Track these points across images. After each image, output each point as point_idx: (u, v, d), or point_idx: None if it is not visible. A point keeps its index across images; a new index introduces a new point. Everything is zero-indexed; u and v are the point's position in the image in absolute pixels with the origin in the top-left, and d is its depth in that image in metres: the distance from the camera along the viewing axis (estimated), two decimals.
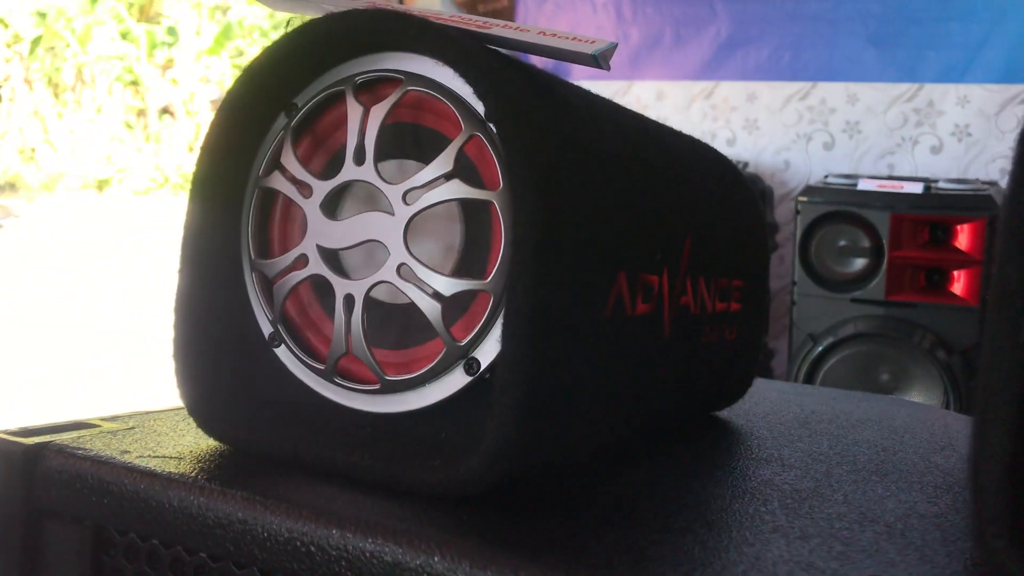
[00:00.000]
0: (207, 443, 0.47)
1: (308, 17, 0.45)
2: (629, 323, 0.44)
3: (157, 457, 0.44)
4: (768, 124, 2.73)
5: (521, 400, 0.37)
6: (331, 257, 0.45)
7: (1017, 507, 0.34)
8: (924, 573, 0.36)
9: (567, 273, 0.39)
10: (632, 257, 0.45)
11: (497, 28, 0.43)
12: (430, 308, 0.42)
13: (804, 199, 2.19)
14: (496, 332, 0.41)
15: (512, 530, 0.37)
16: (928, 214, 2.09)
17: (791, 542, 0.38)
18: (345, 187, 0.45)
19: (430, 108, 0.44)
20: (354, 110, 0.44)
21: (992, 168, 2.47)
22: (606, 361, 0.44)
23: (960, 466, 0.53)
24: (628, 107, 0.54)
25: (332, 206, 0.46)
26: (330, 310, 0.45)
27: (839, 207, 2.14)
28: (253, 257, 0.47)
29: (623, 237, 0.44)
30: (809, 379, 2.16)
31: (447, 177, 0.42)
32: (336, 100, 0.46)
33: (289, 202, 0.47)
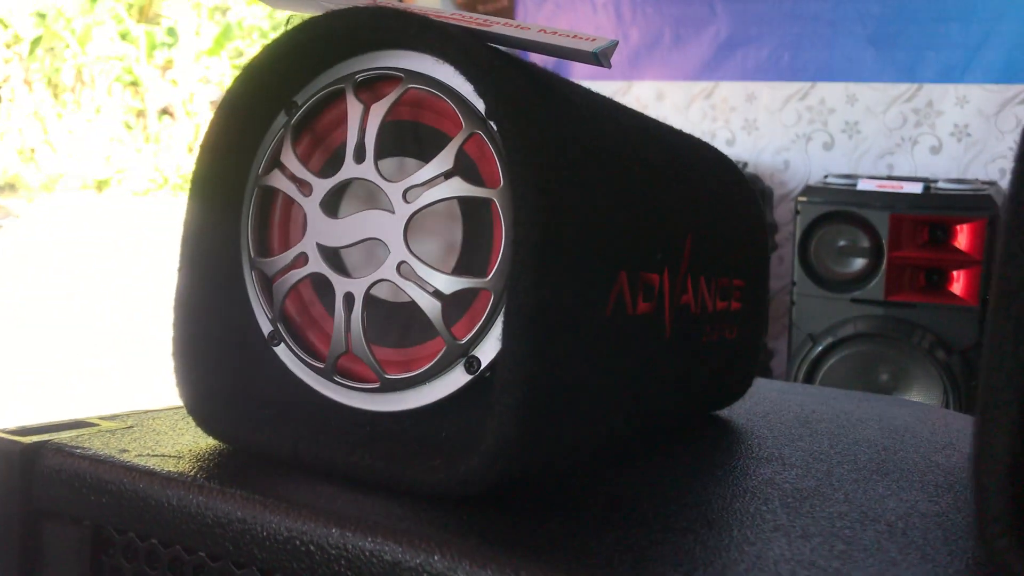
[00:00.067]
0: (206, 442, 0.47)
1: (308, 15, 0.45)
2: (630, 322, 0.44)
3: (156, 456, 0.44)
4: (767, 124, 2.73)
5: (521, 399, 0.37)
6: (331, 255, 0.45)
7: (1019, 506, 0.34)
8: (926, 572, 0.36)
9: (568, 272, 0.39)
10: (633, 256, 0.44)
11: (497, 26, 0.43)
12: (430, 306, 0.42)
13: (803, 199, 2.19)
14: (496, 331, 0.41)
15: (512, 529, 0.37)
16: (927, 214, 2.09)
17: (792, 541, 0.38)
18: (345, 185, 0.45)
19: (430, 106, 0.44)
20: (354, 108, 0.44)
21: (991, 168, 2.47)
22: (606, 360, 0.43)
23: (961, 465, 0.53)
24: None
25: (332, 204, 0.45)
26: (330, 308, 0.45)
27: (838, 207, 2.14)
28: (253, 256, 0.47)
29: (624, 236, 0.44)
30: (809, 379, 2.16)
31: (447, 175, 0.41)
32: (336, 98, 0.46)
33: (289, 200, 0.47)
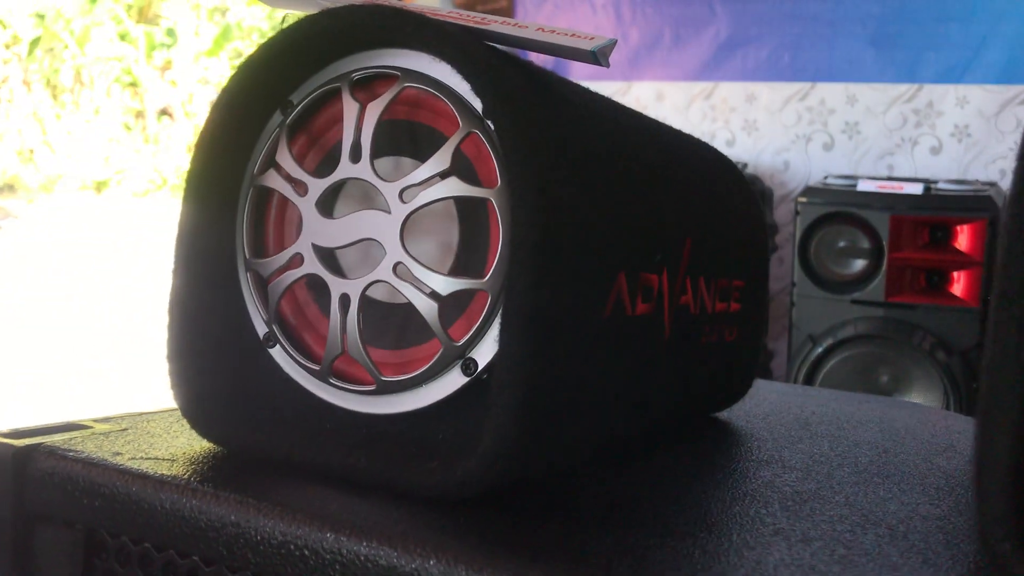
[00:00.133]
0: (201, 445, 0.46)
1: (304, 14, 0.45)
2: (629, 323, 0.44)
3: (150, 459, 0.44)
4: (767, 125, 2.72)
5: (519, 401, 0.37)
6: (327, 256, 0.45)
7: (1022, 510, 0.33)
8: None
9: (566, 272, 0.38)
10: (632, 257, 0.44)
11: (495, 24, 0.42)
12: (427, 308, 0.41)
13: (803, 200, 2.19)
14: (494, 332, 0.40)
15: (510, 533, 0.37)
16: (928, 215, 2.09)
17: (792, 545, 0.38)
18: (341, 185, 0.45)
19: (427, 105, 0.44)
20: (350, 107, 0.44)
21: (992, 169, 2.47)
22: (605, 362, 0.43)
23: (962, 468, 0.53)
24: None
25: (328, 204, 0.45)
26: (326, 310, 0.45)
27: (839, 208, 2.14)
28: (248, 256, 0.47)
29: (622, 236, 0.43)
30: (809, 380, 2.16)
31: (444, 175, 0.41)
32: (332, 97, 0.45)
33: (284, 200, 0.46)
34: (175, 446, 0.46)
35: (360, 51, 0.45)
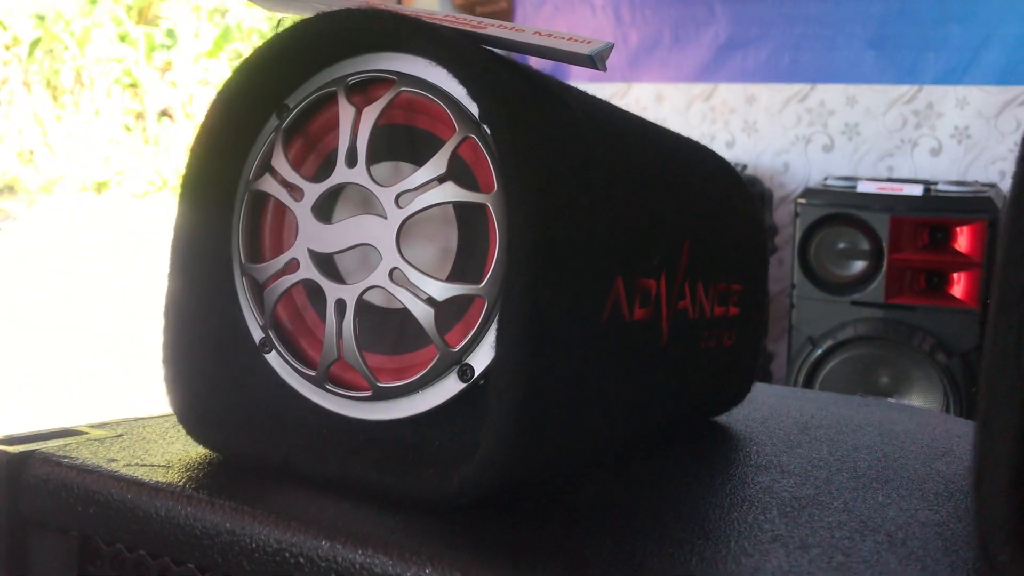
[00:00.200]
0: (196, 451, 0.46)
1: (300, 17, 0.44)
2: (626, 328, 0.44)
3: (145, 466, 0.43)
4: (767, 126, 2.72)
5: (516, 407, 0.36)
6: (323, 261, 0.44)
7: (1022, 517, 0.33)
8: None
9: (563, 278, 0.38)
10: (629, 261, 0.44)
11: (492, 28, 0.42)
12: (423, 313, 0.41)
13: (803, 201, 2.19)
14: (490, 338, 0.40)
15: (506, 540, 0.37)
16: (928, 216, 2.08)
17: (791, 552, 0.37)
18: (337, 190, 0.45)
19: (423, 109, 0.43)
20: (346, 111, 0.43)
21: (992, 170, 2.47)
22: (603, 367, 0.43)
23: (962, 472, 0.52)
24: (627, 109, 0.53)
25: (324, 209, 0.45)
26: (322, 315, 0.44)
27: (838, 209, 2.14)
28: (244, 261, 0.47)
29: (620, 241, 0.43)
30: (808, 382, 2.16)
31: (440, 180, 0.41)
32: (328, 101, 0.45)
33: (280, 205, 0.46)
34: (170, 452, 0.46)
35: (356, 55, 0.45)
